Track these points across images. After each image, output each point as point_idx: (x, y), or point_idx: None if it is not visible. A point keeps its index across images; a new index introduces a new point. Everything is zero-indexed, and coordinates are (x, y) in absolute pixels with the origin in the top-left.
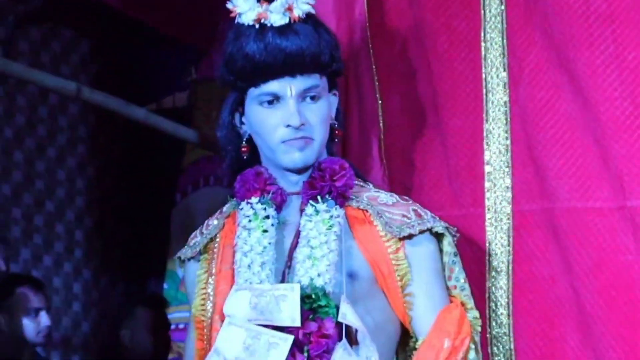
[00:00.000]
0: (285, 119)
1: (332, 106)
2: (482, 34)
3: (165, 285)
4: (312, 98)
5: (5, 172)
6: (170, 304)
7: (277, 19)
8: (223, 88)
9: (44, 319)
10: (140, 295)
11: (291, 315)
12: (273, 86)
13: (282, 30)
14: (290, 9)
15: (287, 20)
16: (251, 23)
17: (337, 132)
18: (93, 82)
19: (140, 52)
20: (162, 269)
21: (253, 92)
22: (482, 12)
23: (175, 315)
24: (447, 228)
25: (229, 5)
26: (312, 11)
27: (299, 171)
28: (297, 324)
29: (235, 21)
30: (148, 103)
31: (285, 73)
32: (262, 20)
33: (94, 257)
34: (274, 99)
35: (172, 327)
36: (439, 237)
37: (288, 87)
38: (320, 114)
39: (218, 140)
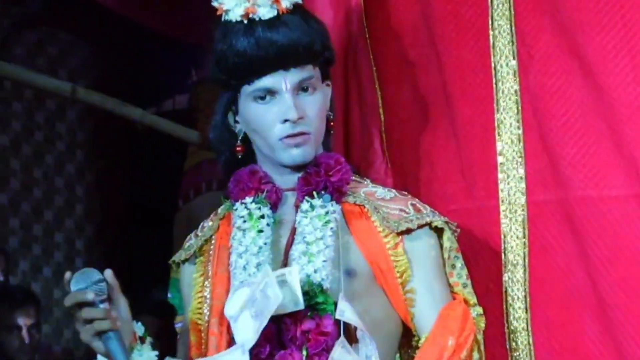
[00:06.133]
0: (282, 113)
1: (327, 97)
2: (490, 22)
3: (169, 295)
4: (308, 90)
5: (2, 181)
6: (177, 313)
7: (265, 12)
8: None
9: (26, 335)
10: (145, 304)
11: (293, 298)
12: (267, 81)
13: (272, 23)
14: (277, 1)
15: (275, 13)
16: (239, 19)
17: (331, 123)
18: (91, 87)
19: (138, 55)
20: (166, 277)
21: (247, 89)
22: None
23: (180, 325)
24: (447, 223)
25: (214, 4)
26: (299, 1)
27: (298, 168)
28: (301, 306)
29: (223, 19)
30: (148, 107)
31: (278, 67)
32: (250, 15)
33: (95, 267)
34: (269, 95)
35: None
36: (438, 232)
37: (282, 80)
38: (317, 105)
39: (210, 141)
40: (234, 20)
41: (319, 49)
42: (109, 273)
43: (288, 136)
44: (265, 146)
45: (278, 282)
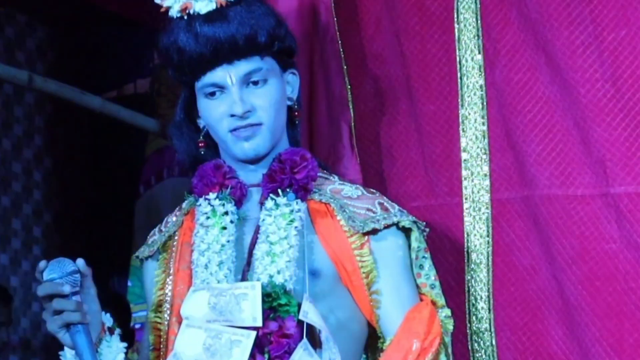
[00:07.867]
0: (229, 108)
1: (293, 86)
2: (455, 15)
3: (129, 283)
4: (257, 82)
5: None
6: (134, 302)
7: (202, 6)
8: None
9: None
10: (103, 294)
11: (252, 314)
12: (213, 76)
13: (210, 17)
14: None
15: (214, 6)
16: (179, 15)
17: (296, 113)
18: (50, 70)
19: (98, 37)
20: (125, 265)
21: (197, 85)
22: None
23: (139, 314)
24: (415, 222)
25: (157, 1)
26: None
27: (253, 161)
28: (259, 323)
29: (168, 15)
30: (108, 91)
31: (221, 61)
32: (189, 10)
33: (53, 254)
34: (218, 90)
35: (137, 326)
36: (406, 231)
37: (227, 75)
38: (267, 97)
39: (169, 137)
40: (175, 17)
41: (264, 39)
42: (81, 263)
43: (237, 128)
44: (220, 141)
45: (239, 295)
